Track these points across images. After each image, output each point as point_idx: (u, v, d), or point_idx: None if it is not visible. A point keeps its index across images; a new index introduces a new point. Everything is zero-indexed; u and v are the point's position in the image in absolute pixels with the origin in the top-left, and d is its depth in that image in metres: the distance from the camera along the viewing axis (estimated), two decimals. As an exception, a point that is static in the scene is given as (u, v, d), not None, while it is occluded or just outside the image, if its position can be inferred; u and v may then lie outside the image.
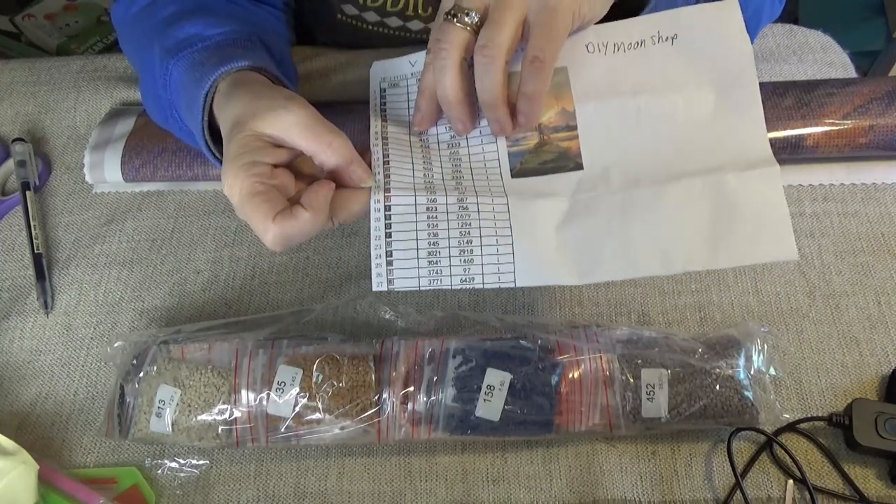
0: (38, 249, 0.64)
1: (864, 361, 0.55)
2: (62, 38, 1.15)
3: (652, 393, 0.49)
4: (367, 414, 0.49)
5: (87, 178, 0.67)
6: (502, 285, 0.44)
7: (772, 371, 0.51)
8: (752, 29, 0.55)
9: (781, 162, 0.63)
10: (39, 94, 0.75)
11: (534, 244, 0.45)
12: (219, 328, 0.54)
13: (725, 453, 0.50)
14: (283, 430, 0.50)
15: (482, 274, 0.44)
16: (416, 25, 0.72)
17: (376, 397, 0.50)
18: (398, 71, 0.53)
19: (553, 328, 0.52)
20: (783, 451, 0.51)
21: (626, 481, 0.51)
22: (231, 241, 0.64)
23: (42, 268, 0.63)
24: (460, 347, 0.51)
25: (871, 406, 0.51)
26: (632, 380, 0.49)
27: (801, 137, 0.62)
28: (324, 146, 0.44)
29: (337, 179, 0.46)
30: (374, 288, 0.44)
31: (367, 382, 0.50)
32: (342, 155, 0.44)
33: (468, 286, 0.44)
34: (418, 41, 0.74)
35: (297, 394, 0.49)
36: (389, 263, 0.44)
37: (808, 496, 0.49)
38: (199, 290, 0.62)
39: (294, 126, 0.43)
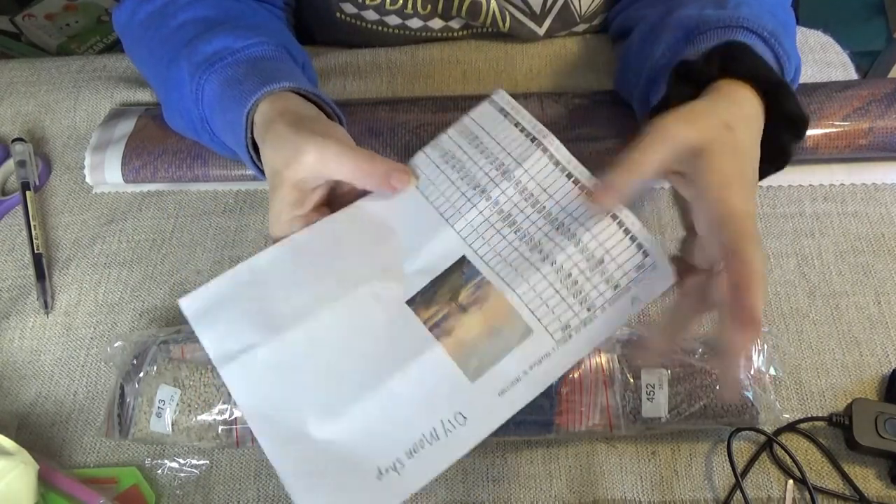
0: (38, 249, 0.63)
1: (864, 361, 0.55)
2: (62, 38, 1.15)
3: (652, 393, 0.49)
4: (367, 414, 0.49)
5: (88, 180, 0.67)
6: None
7: (772, 371, 0.51)
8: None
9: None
10: (39, 94, 0.75)
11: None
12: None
13: (725, 453, 0.50)
14: (283, 430, 0.50)
15: None
16: (415, 23, 0.72)
17: (376, 397, 0.50)
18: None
19: (553, 328, 0.52)
20: (783, 451, 0.51)
21: (626, 481, 0.51)
22: (231, 241, 0.64)
23: (42, 268, 0.63)
24: (460, 347, 0.51)
25: (871, 406, 0.51)
26: (632, 380, 0.49)
27: (801, 138, 0.62)
28: (357, 173, 0.45)
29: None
30: None
31: (367, 382, 0.50)
32: (377, 174, 0.45)
33: None
34: (418, 39, 0.74)
35: (297, 394, 0.49)
36: None
37: (808, 496, 0.49)
38: (199, 290, 0.62)
39: (321, 164, 0.45)
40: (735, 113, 0.45)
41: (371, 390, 0.43)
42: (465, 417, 0.41)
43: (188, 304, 0.45)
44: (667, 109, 0.45)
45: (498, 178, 0.47)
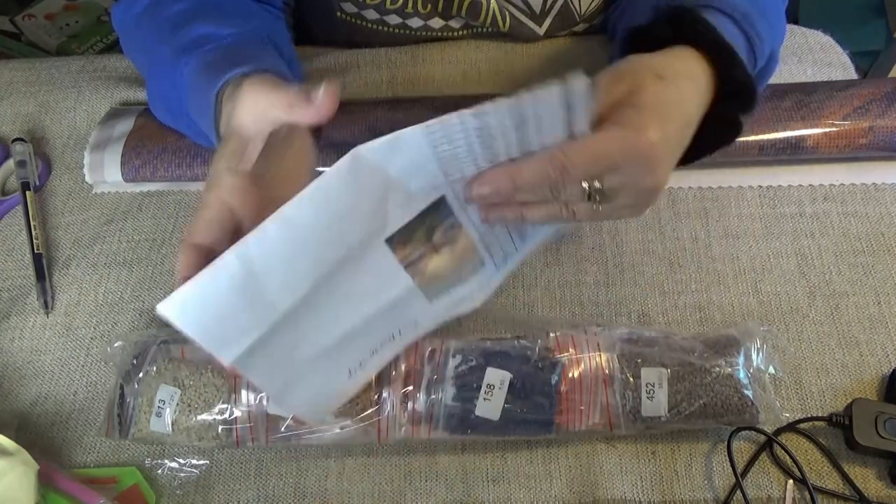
0: (38, 249, 0.63)
1: (864, 361, 0.55)
2: (62, 38, 1.15)
3: (652, 392, 0.49)
4: (366, 413, 0.49)
5: (87, 179, 0.67)
6: None
7: (771, 370, 0.51)
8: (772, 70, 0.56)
9: (782, 163, 0.64)
10: (39, 94, 0.75)
11: None
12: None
13: (725, 453, 0.50)
14: (283, 429, 0.50)
15: None
16: (415, 23, 0.72)
17: (376, 397, 0.50)
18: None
19: (553, 327, 0.52)
20: (783, 451, 0.51)
21: (626, 481, 0.51)
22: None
23: (42, 268, 0.63)
24: (460, 347, 0.51)
25: (871, 406, 0.51)
26: (632, 379, 0.49)
27: (801, 138, 0.62)
28: (285, 106, 0.43)
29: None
30: None
31: (367, 382, 0.50)
32: (303, 96, 0.43)
33: None
34: (418, 39, 0.74)
35: (297, 393, 0.49)
36: None
37: (808, 496, 0.49)
38: (199, 290, 0.61)
39: (253, 105, 0.44)
40: (671, 64, 0.45)
41: (349, 322, 0.46)
42: (417, 324, 0.50)
43: (172, 309, 0.40)
44: None
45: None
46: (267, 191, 0.44)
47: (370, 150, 0.42)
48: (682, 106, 0.45)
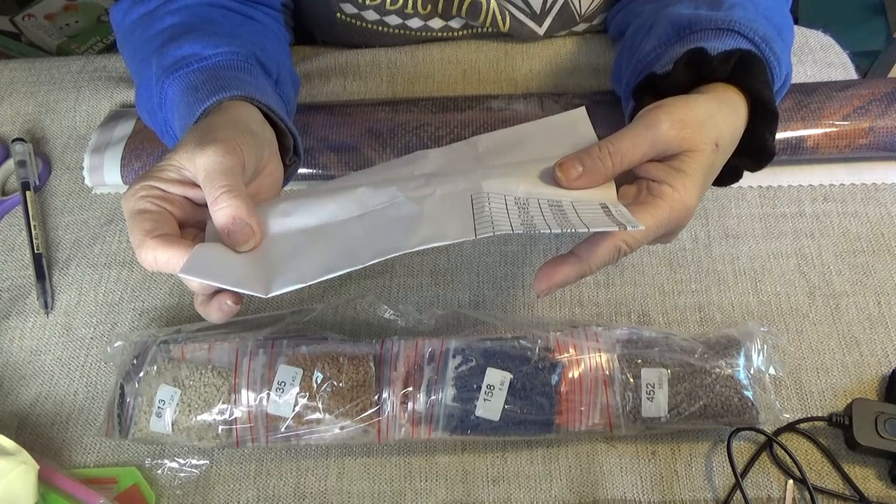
0: (38, 249, 0.64)
1: (864, 361, 0.55)
2: (62, 38, 1.14)
3: (652, 392, 0.49)
4: (367, 414, 0.49)
5: (87, 182, 0.67)
6: None
7: (771, 370, 0.51)
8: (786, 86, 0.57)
9: (782, 163, 0.64)
10: (39, 94, 0.75)
11: None
12: (219, 328, 0.54)
13: (725, 453, 0.50)
14: (283, 429, 0.50)
15: None
16: (415, 23, 0.72)
17: (376, 397, 0.50)
18: None
19: (553, 327, 0.52)
20: (783, 451, 0.51)
21: (626, 481, 0.51)
22: (231, 241, 0.64)
23: (42, 268, 0.63)
24: (460, 347, 0.51)
25: (871, 406, 0.51)
26: (632, 379, 0.49)
27: (801, 139, 0.62)
28: (211, 200, 0.42)
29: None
30: None
31: (367, 382, 0.50)
32: (223, 215, 0.42)
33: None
34: (418, 39, 0.74)
35: (297, 394, 0.49)
36: None
37: (808, 496, 0.49)
38: (199, 290, 0.61)
39: (201, 170, 0.43)
40: (730, 126, 0.47)
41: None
42: None
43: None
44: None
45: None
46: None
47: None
48: (722, 163, 0.48)
